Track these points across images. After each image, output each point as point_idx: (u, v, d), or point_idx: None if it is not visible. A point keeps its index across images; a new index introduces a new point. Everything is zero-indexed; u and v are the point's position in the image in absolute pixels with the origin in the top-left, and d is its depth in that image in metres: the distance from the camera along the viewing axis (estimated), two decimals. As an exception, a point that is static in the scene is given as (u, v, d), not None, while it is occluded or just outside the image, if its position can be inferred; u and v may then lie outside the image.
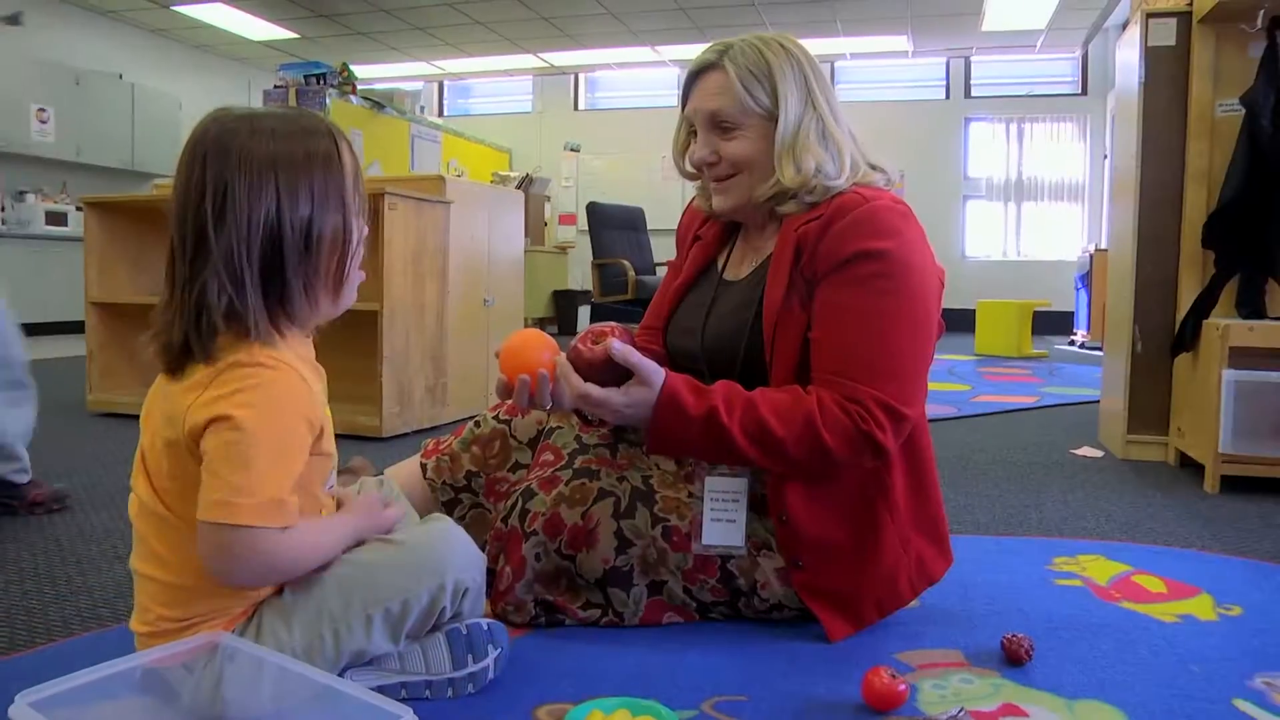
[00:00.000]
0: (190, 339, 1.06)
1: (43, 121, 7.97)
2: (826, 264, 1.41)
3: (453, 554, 1.21)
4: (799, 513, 1.42)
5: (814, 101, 1.48)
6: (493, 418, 1.66)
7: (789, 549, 1.44)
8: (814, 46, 1.56)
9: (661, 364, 1.68)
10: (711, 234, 1.68)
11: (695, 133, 1.55)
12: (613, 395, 1.34)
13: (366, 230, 1.18)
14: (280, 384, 1.06)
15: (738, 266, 1.62)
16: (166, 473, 1.09)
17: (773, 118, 1.47)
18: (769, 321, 1.45)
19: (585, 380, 1.34)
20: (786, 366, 1.44)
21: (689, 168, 1.60)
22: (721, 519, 1.45)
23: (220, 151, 1.06)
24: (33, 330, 7.82)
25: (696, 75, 1.52)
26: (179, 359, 1.08)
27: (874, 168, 1.52)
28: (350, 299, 1.18)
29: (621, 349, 1.32)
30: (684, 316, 1.66)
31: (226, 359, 1.05)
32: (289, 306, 1.09)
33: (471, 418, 1.70)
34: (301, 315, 1.11)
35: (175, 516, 1.08)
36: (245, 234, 1.05)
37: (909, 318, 1.40)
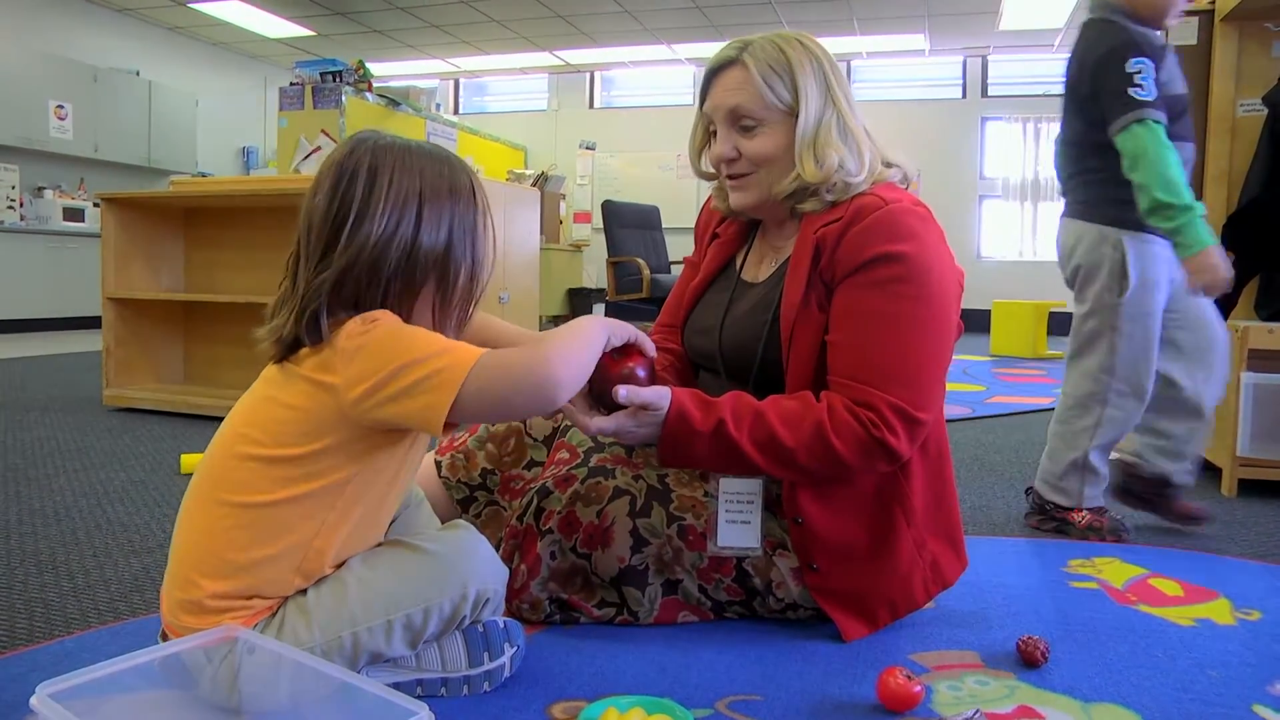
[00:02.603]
0: (300, 337, 1.10)
1: (61, 118, 8.02)
2: (845, 267, 1.40)
3: (476, 565, 1.21)
4: (814, 515, 1.42)
5: (834, 98, 1.47)
6: (508, 414, 1.66)
7: (804, 551, 1.44)
8: (830, 45, 1.55)
9: (682, 363, 1.68)
10: (730, 232, 1.68)
11: (713, 132, 1.54)
12: (623, 423, 1.33)
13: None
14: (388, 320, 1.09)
15: (756, 266, 1.62)
16: (276, 436, 1.10)
17: (793, 113, 1.46)
18: (786, 322, 1.45)
19: (601, 386, 1.32)
20: (803, 368, 1.43)
21: (706, 167, 1.60)
22: (736, 520, 1.45)
23: (370, 172, 1.11)
24: (49, 326, 7.91)
25: (716, 72, 1.51)
26: (289, 350, 1.12)
27: (888, 165, 1.51)
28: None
29: (628, 395, 1.29)
30: (701, 316, 1.65)
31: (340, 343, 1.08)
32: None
33: (487, 415, 1.70)
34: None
35: (262, 488, 1.10)
36: (378, 252, 1.09)
37: (926, 322, 1.39)
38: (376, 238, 1.09)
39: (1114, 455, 2.22)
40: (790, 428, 1.34)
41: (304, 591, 1.15)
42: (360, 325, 1.08)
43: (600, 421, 1.32)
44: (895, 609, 1.47)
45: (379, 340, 1.06)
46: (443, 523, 1.42)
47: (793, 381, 1.44)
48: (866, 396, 1.35)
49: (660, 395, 1.33)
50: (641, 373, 1.31)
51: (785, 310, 1.45)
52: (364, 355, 1.06)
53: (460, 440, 1.66)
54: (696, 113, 1.58)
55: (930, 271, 1.39)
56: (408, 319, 1.12)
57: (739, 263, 1.65)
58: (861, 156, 1.46)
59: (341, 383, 1.06)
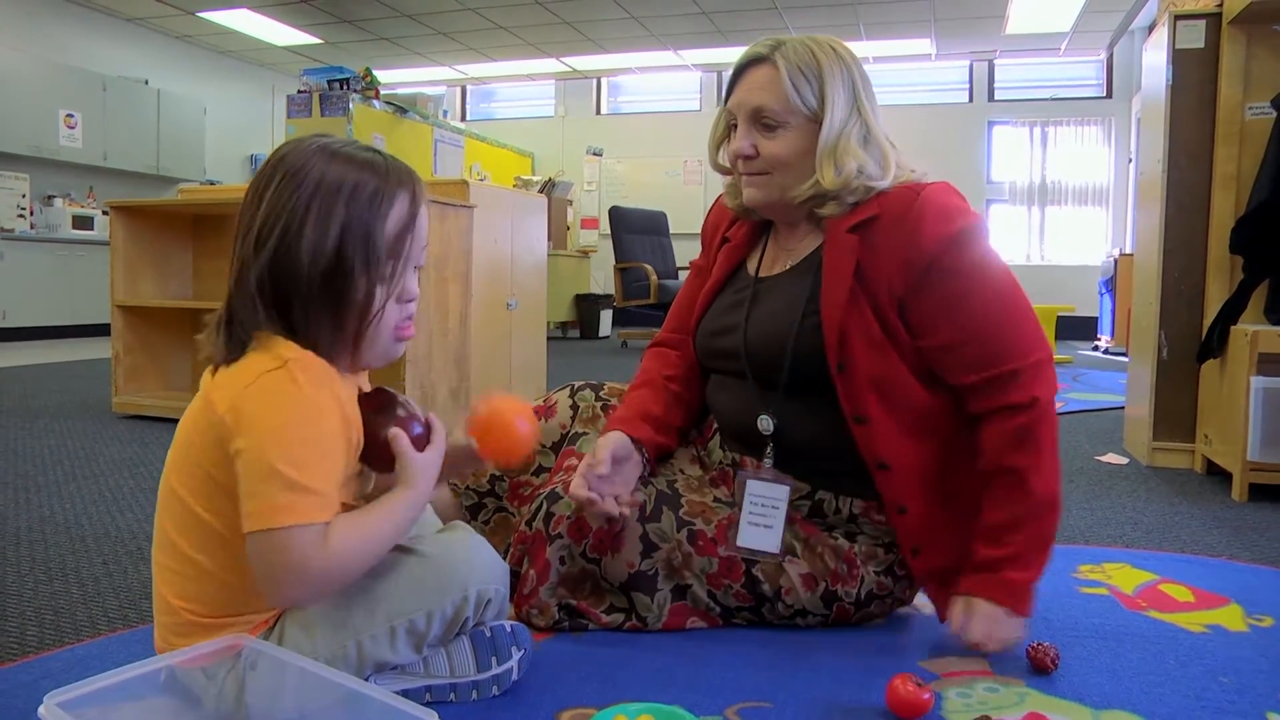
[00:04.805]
0: (223, 346, 1.09)
1: (70, 127, 8.05)
2: (916, 267, 1.39)
3: (476, 566, 1.20)
4: (917, 507, 1.44)
5: (859, 107, 1.46)
6: (516, 421, 1.66)
7: (907, 539, 1.46)
8: (837, 50, 1.53)
9: (690, 371, 1.66)
10: (740, 235, 1.65)
11: (734, 126, 1.52)
12: None
13: (414, 293, 1.15)
14: (298, 376, 1.04)
15: (770, 268, 1.59)
16: (197, 471, 1.08)
17: (817, 120, 1.44)
18: (831, 323, 1.42)
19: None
20: (864, 374, 1.42)
21: (723, 161, 1.58)
22: (759, 524, 1.45)
23: (257, 186, 1.09)
24: (59, 333, 7.95)
25: (745, 68, 1.49)
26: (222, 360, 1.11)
27: (910, 171, 1.51)
28: (380, 354, 1.15)
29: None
30: (717, 318, 1.62)
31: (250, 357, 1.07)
32: (309, 340, 1.08)
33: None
34: (325, 352, 1.09)
35: (206, 514, 1.08)
36: (263, 258, 1.06)
37: (1008, 279, 1.44)
38: (258, 241, 1.06)
39: None
40: (1023, 519, 1.39)
41: None
42: (254, 369, 1.04)
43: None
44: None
45: (258, 413, 1.02)
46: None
47: (852, 389, 1.42)
48: (1006, 379, 1.39)
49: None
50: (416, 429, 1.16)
51: (828, 310, 1.43)
52: (245, 417, 1.02)
53: (469, 447, 1.66)
54: (720, 106, 1.56)
55: (984, 231, 1.43)
56: (298, 329, 1.07)
57: (753, 264, 1.62)
58: (885, 163, 1.46)
59: (226, 418, 1.03)
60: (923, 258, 1.39)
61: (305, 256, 1.05)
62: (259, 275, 1.06)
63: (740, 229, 1.66)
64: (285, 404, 1.03)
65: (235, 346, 1.08)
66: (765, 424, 1.50)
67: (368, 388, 1.20)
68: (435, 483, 1.16)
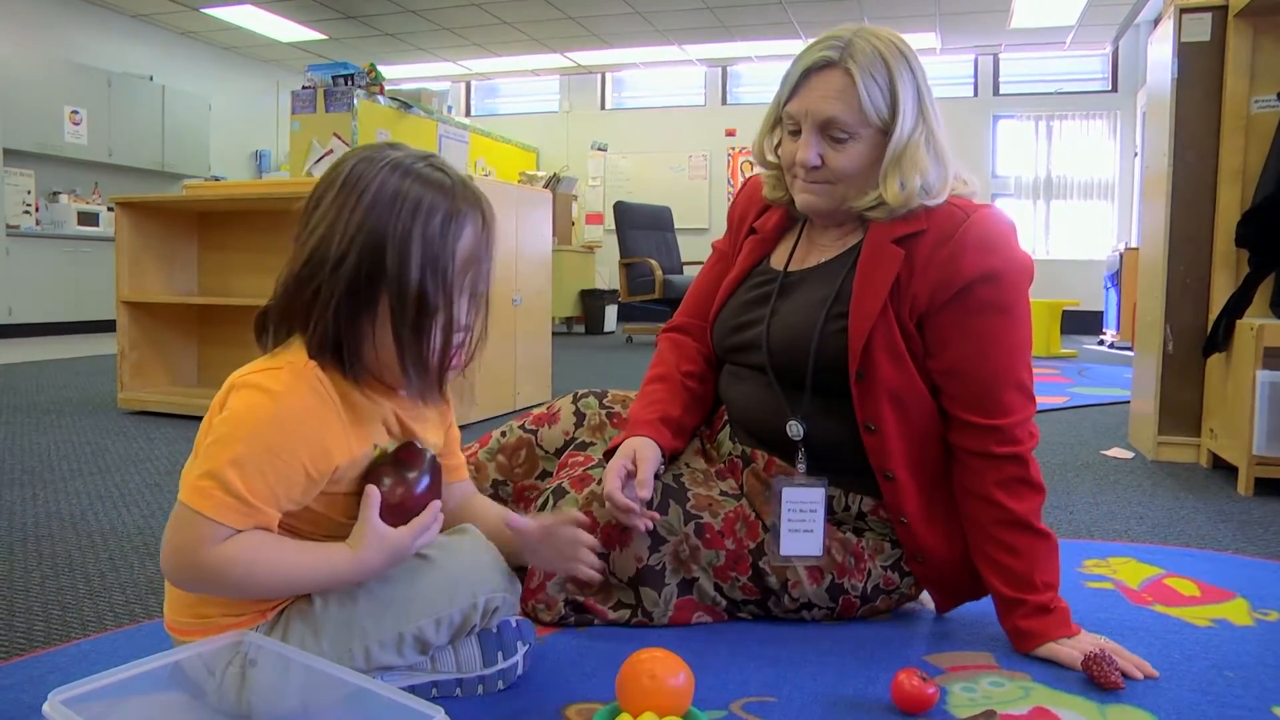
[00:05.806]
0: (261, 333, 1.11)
1: (75, 123, 8.07)
2: (948, 289, 1.38)
3: (485, 574, 1.20)
4: (917, 518, 1.45)
5: (924, 112, 1.42)
6: (519, 426, 1.66)
7: (909, 546, 1.47)
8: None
9: (705, 365, 1.65)
10: (769, 226, 1.60)
11: (789, 128, 1.47)
12: None
13: (463, 323, 1.11)
14: (294, 391, 1.05)
15: (800, 261, 1.56)
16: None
17: (887, 129, 1.40)
18: (858, 335, 1.40)
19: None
20: (883, 385, 1.40)
21: (770, 158, 1.55)
22: (799, 529, 1.44)
23: (343, 183, 1.07)
24: (65, 329, 7.97)
25: (811, 72, 1.41)
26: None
27: (964, 182, 1.48)
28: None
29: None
30: (737, 313, 1.58)
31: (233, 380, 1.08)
32: (351, 355, 1.07)
33: (500, 420, 1.70)
34: (369, 370, 1.10)
35: None
36: (338, 287, 1.04)
37: (1027, 329, 1.43)
38: (318, 242, 1.05)
39: None
40: (1047, 556, 1.42)
41: (310, 601, 1.13)
42: (261, 363, 1.07)
43: None
44: (975, 588, 1.52)
45: (233, 419, 1.03)
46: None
47: (871, 396, 1.41)
48: (997, 430, 1.40)
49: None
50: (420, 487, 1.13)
51: (857, 319, 1.41)
52: (229, 401, 1.04)
53: (471, 451, 1.65)
54: (775, 105, 1.49)
55: (1025, 276, 1.41)
56: (344, 343, 1.06)
57: (779, 257, 1.59)
58: (945, 172, 1.43)
59: (221, 396, 1.06)
60: (955, 284, 1.37)
61: (388, 288, 1.04)
62: (335, 302, 1.04)
63: (769, 219, 1.61)
64: (261, 404, 1.03)
65: (264, 345, 1.11)
66: (795, 430, 1.47)
67: (440, 426, 1.22)
68: (396, 562, 1.11)
